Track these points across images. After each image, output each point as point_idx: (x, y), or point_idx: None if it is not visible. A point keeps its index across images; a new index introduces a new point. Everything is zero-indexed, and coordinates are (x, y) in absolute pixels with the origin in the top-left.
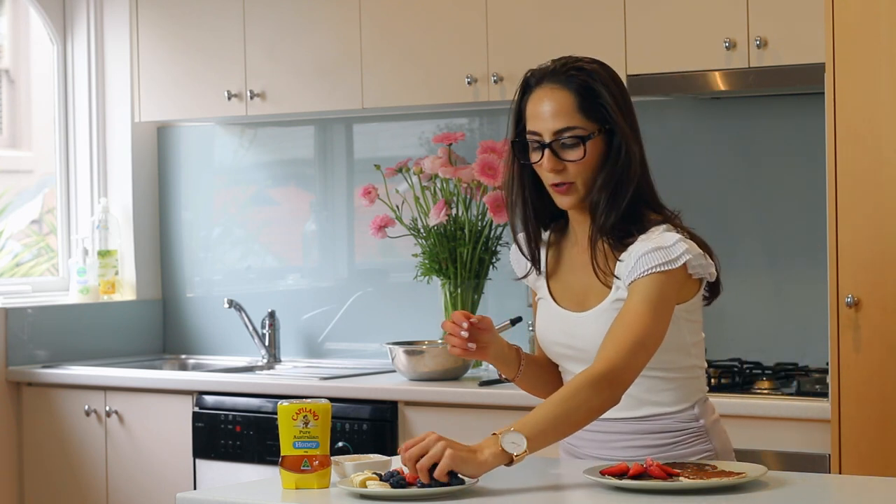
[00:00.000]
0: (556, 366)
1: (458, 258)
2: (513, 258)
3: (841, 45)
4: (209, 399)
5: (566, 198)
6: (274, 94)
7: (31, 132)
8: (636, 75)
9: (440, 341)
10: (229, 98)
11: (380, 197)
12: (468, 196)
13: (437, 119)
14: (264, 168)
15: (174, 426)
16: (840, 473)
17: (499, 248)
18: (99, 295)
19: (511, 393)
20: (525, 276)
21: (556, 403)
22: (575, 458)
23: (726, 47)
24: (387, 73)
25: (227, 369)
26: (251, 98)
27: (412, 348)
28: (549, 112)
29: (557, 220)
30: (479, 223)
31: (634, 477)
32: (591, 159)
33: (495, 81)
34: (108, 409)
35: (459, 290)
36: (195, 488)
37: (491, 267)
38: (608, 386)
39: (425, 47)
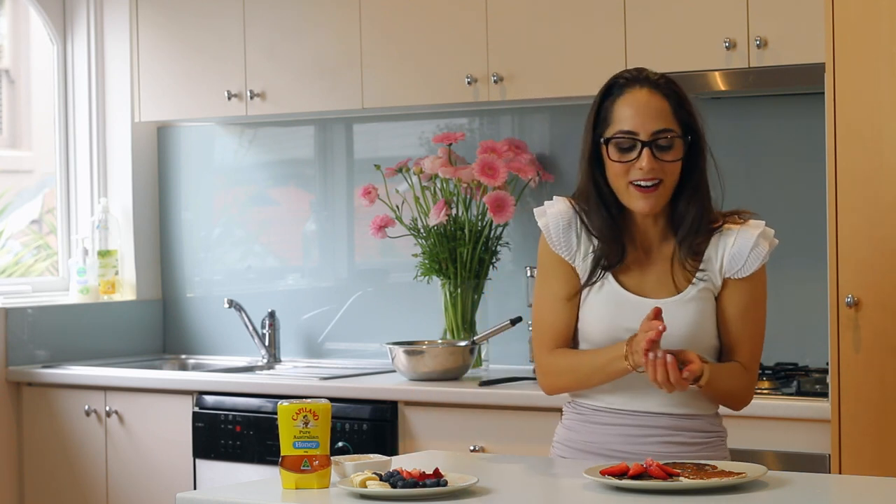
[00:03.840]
0: None
1: (458, 258)
2: (559, 232)
3: (841, 45)
4: (209, 399)
5: (651, 197)
6: (274, 94)
7: (31, 132)
8: None
9: (440, 341)
10: (229, 98)
11: (380, 197)
12: (468, 196)
13: (437, 119)
14: (264, 168)
15: (174, 426)
16: (840, 473)
17: (499, 248)
18: (99, 295)
19: (511, 393)
20: (605, 265)
21: (734, 375)
22: (595, 455)
23: (726, 47)
24: (387, 73)
25: (227, 369)
26: (251, 98)
27: (412, 348)
28: (648, 112)
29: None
30: (479, 223)
31: (634, 477)
32: (680, 163)
33: (495, 81)
34: (108, 409)
35: (459, 290)
36: (195, 488)
37: (491, 267)
38: (751, 389)
39: (425, 47)
